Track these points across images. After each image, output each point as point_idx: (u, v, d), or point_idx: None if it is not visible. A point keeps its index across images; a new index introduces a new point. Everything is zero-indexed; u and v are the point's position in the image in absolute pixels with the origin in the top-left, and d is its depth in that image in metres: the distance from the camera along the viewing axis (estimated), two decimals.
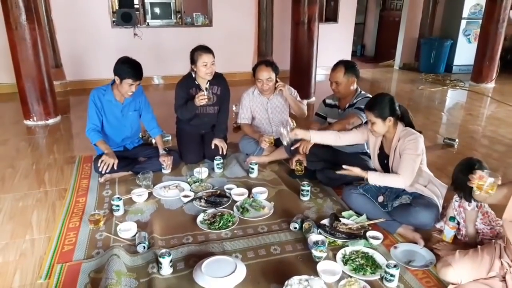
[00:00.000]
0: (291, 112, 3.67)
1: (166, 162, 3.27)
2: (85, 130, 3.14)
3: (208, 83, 3.39)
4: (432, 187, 2.52)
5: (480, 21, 7.03)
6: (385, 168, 2.64)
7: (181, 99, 3.40)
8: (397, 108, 2.49)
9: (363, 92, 3.16)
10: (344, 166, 2.57)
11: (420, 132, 2.51)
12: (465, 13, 7.73)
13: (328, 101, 3.33)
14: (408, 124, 2.54)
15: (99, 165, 3.00)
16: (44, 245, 2.38)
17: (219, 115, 3.56)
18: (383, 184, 2.55)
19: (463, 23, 7.80)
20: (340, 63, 3.12)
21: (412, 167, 2.41)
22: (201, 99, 3.21)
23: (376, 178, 2.51)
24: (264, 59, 3.59)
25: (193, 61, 3.30)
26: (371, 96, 3.09)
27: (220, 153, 3.44)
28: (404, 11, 8.42)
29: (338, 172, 2.63)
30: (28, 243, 2.41)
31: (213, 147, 3.45)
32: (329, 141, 2.82)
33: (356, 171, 2.53)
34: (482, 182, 1.83)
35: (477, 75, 6.99)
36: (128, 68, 2.99)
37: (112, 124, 3.21)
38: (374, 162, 2.72)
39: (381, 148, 2.64)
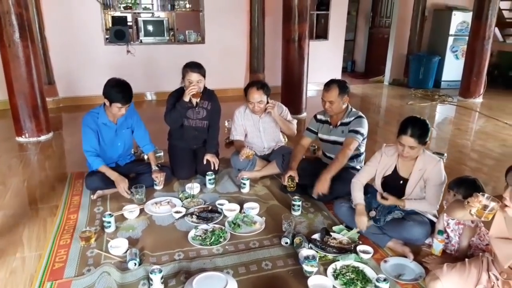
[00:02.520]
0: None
1: (159, 178, 3.28)
2: (84, 151, 3.12)
3: (199, 98, 3.43)
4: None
5: (467, 38, 7.20)
6: (390, 188, 2.63)
7: (171, 106, 3.44)
8: None
9: (353, 109, 3.19)
10: (379, 200, 2.55)
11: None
12: (452, 30, 7.91)
13: (319, 116, 3.36)
14: None
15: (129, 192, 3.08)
16: (34, 262, 2.37)
17: (210, 131, 3.60)
18: (416, 209, 2.54)
19: (451, 39, 7.97)
20: (333, 82, 3.12)
21: (440, 195, 2.49)
22: (192, 89, 3.24)
23: (411, 205, 2.52)
24: (255, 81, 3.63)
25: (182, 76, 3.37)
26: (361, 114, 3.14)
27: (212, 168, 3.46)
28: (393, 28, 8.60)
29: (378, 200, 2.57)
30: (18, 261, 2.40)
31: (205, 162, 3.47)
32: (362, 193, 2.70)
33: (394, 202, 2.53)
34: (481, 205, 1.78)
35: (465, 90, 7.12)
36: (117, 92, 3.00)
37: (106, 144, 3.22)
38: (377, 181, 2.70)
39: (395, 169, 2.63)
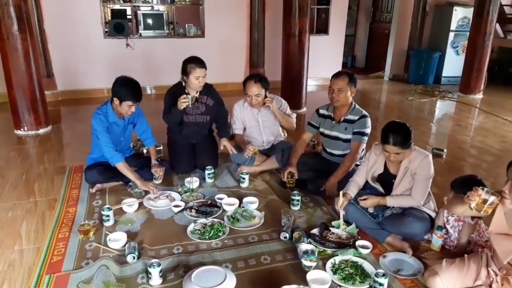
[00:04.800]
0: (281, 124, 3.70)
1: (158, 172, 3.27)
2: (108, 155, 3.02)
3: (198, 93, 3.41)
4: (429, 205, 2.57)
5: (468, 33, 7.18)
6: (385, 186, 2.66)
7: (168, 106, 3.42)
8: None
9: (357, 106, 3.15)
10: (361, 203, 2.56)
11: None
12: (453, 26, 7.88)
13: (322, 111, 3.30)
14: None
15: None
16: (33, 255, 2.37)
17: (219, 120, 3.61)
18: (399, 206, 2.54)
19: (451, 35, 7.95)
20: (343, 72, 3.13)
21: (426, 189, 2.49)
22: (182, 102, 3.22)
23: (394, 201, 2.52)
24: (254, 74, 3.61)
25: (185, 72, 3.31)
26: (365, 112, 3.11)
27: (230, 152, 3.49)
28: (393, 24, 8.57)
29: (361, 204, 2.58)
30: (16, 254, 2.39)
31: (221, 148, 3.50)
32: (356, 191, 2.72)
33: (374, 200, 2.54)
34: (480, 199, 1.79)
35: (465, 86, 7.11)
36: (128, 90, 2.97)
37: (112, 141, 3.19)
38: (368, 179, 2.72)
39: (385, 167, 2.64)
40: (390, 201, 2.53)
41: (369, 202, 2.55)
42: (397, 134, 2.41)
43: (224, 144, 3.50)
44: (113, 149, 3.03)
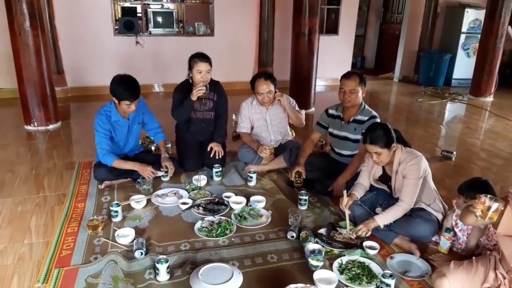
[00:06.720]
0: (289, 122, 3.70)
1: (169, 166, 3.26)
2: (98, 155, 3.10)
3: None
4: (435, 205, 2.55)
5: (479, 35, 7.10)
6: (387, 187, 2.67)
7: (178, 102, 3.43)
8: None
9: (367, 107, 3.14)
10: (359, 234, 2.47)
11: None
12: (464, 28, 7.81)
13: (331, 111, 3.29)
14: (403, 142, 2.57)
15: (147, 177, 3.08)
16: (42, 249, 2.39)
17: (218, 121, 3.58)
18: (392, 220, 2.47)
19: (462, 37, 7.87)
20: (354, 72, 3.11)
21: (414, 191, 2.45)
22: (199, 90, 3.21)
23: (385, 219, 2.46)
24: (262, 72, 3.61)
25: (190, 67, 3.34)
26: (374, 113, 3.09)
27: (212, 155, 3.44)
28: (404, 25, 8.51)
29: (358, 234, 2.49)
30: (26, 248, 2.42)
31: (208, 149, 3.47)
32: (362, 192, 2.72)
33: (368, 226, 2.46)
34: (484, 207, 1.77)
35: (476, 89, 7.04)
36: (124, 89, 2.95)
37: (119, 140, 3.22)
38: (371, 182, 2.72)
39: (383, 170, 2.64)
40: (381, 220, 2.46)
41: (365, 229, 2.46)
42: (375, 132, 2.45)
43: (212, 146, 3.46)
44: (108, 151, 3.05)
